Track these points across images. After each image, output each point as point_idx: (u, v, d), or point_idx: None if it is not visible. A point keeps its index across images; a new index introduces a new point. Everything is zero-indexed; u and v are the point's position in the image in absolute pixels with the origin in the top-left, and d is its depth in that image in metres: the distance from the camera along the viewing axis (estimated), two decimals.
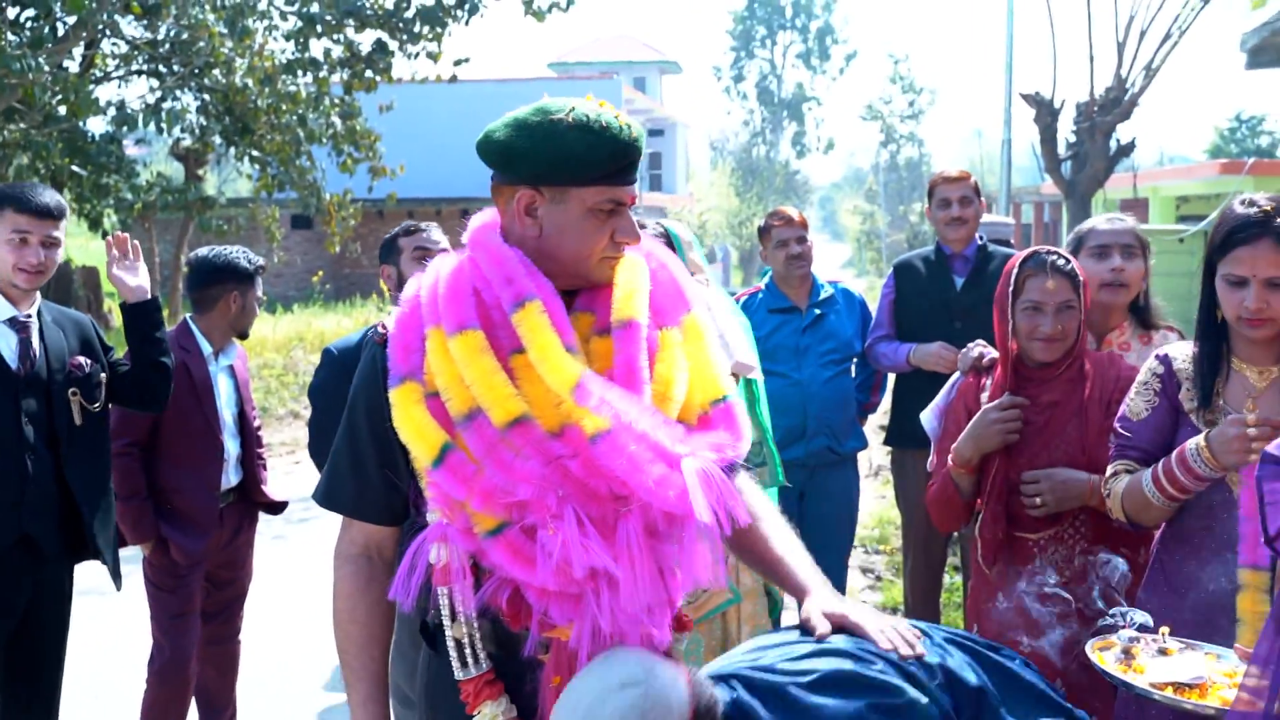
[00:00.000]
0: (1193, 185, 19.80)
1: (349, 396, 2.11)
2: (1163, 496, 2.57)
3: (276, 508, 4.41)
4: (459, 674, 2.00)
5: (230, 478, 4.21)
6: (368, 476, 2.06)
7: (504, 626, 1.97)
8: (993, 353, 3.28)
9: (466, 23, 13.10)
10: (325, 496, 2.15)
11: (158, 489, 4.07)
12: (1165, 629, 2.35)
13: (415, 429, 1.91)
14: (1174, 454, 2.55)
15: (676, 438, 1.90)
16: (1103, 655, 2.30)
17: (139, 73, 13.08)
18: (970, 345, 3.41)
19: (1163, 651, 2.27)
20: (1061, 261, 3.06)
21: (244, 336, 4.33)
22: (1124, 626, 2.36)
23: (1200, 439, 2.50)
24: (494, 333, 1.92)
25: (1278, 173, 18.05)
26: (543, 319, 1.91)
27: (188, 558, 4.04)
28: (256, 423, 4.45)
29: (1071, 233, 3.62)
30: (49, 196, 3.47)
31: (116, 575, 3.70)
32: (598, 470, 1.85)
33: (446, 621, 1.98)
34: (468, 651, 1.99)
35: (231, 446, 4.21)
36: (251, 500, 4.33)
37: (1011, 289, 3.08)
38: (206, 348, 4.17)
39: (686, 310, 2.09)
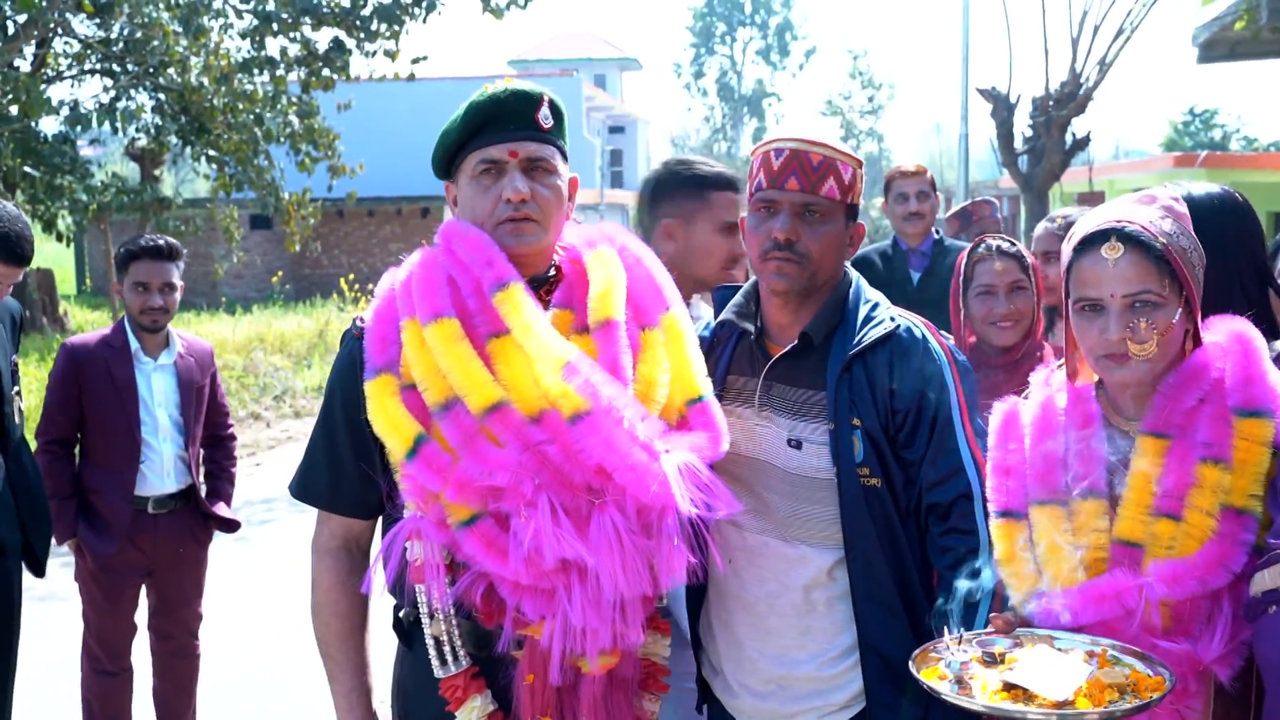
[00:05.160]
0: (1148, 178, 20.07)
1: (325, 390, 2.11)
2: None
3: (227, 525, 4.26)
4: (439, 672, 1.99)
5: (166, 482, 4.08)
6: (344, 470, 2.06)
7: (479, 623, 1.97)
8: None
9: (424, 20, 13.04)
10: (300, 489, 2.14)
11: (81, 489, 4.02)
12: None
13: (389, 421, 1.91)
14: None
15: (656, 433, 1.91)
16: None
17: (92, 72, 12.93)
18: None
19: (993, 655, 1.81)
20: (1007, 245, 3.16)
21: (148, 329, 4.04)
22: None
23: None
24: (469, 320, 1.93)
25: (1230, 165, 18.35)
26: (526, 299, 1.93)
27: (96, 560, 3.99)
28: (228, 430, 4.35)
29: None
30: None
31: (41, 565, 3.62)
32: (575, 456, 1.85)
33: (425, 619, 1.98)
34: (446, 649, 1.99)
35: (167, 449, 4.07)
36: (201, 512, 4.19)
37: (963, 279, 3.15)
38: (134, 344, 4.04)
39: (665, 309, 2.10)
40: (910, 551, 2.17)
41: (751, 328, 2.29)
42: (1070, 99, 13.27)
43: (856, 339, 2.18)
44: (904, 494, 2.17)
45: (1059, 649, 1.81)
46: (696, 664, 2.43)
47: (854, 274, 2.32)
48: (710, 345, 2.34)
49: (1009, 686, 1.70)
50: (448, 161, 2.10)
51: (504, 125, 2.01)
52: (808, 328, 2.21)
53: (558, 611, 1.87)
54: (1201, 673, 1.85)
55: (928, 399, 2.15)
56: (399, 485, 1.96)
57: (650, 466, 1.85)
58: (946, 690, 1.71)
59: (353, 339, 2.05)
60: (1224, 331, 1.99)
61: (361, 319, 2.05)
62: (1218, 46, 11.35)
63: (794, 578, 2.22)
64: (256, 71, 12.99)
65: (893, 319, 2.22)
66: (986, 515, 2.10)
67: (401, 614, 2.08)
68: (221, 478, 4.30)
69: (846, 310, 2.23)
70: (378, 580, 2.00)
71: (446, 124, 2.08)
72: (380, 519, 2.13)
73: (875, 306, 2.26)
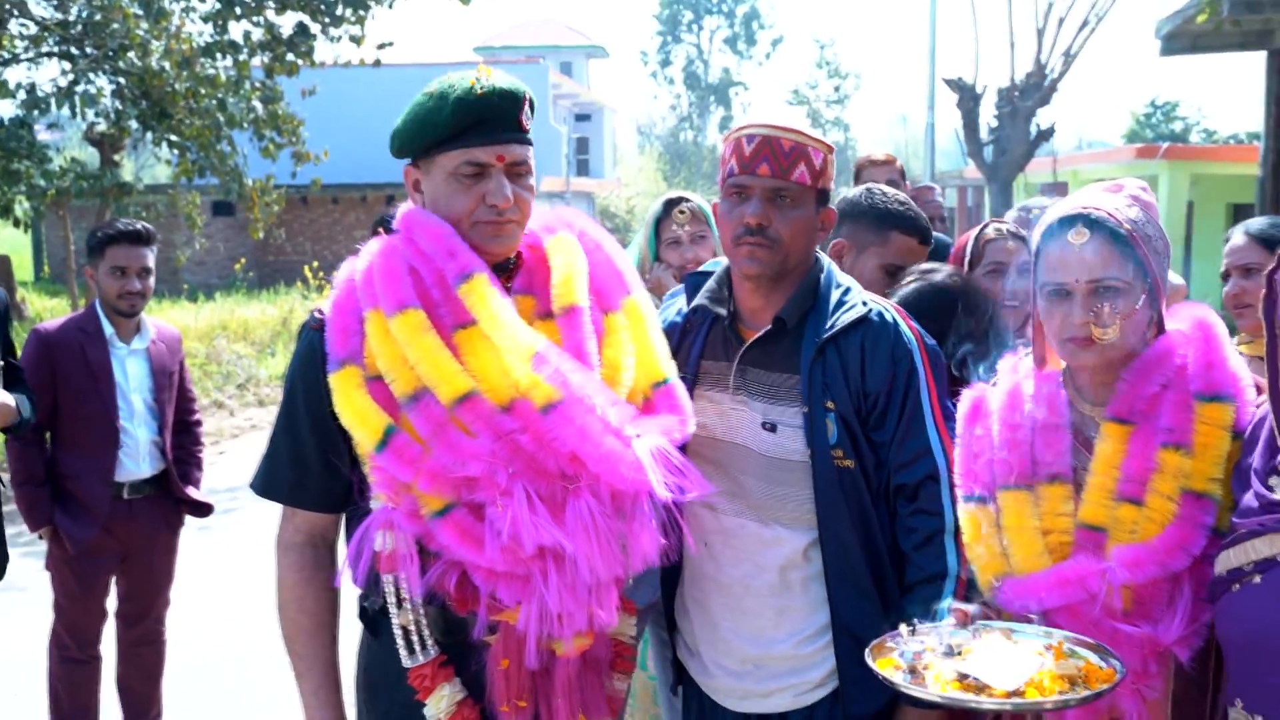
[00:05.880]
0: (1111, 169, 20.24)
1: (286, 383, 2.08)
2: None
3: (200, 509, 4.26)
4: (407, 661, 1.98)
5: (141, 466, 4.08)
6: (307, 464, 2.03)
7: (450, 611, 1.96)
8: None
9: (390, 5, 12.91)
10: (263, 485, 2.11)
11: (55, 475, 3.98)
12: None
13: (357, 413, 1.89)
14: None
15: (626, 418, 1.92)
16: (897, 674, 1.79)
17: (50, 55, 12.68)
18: None
19: (950, 647, 1.83)
20: (1015, 229, 3.20)
21: (125, 314, 4.02)
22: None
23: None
24: (434, 310, 1.91)
25: (1191, 157, 18.55)
26: (492, 290, 1.92)
27: (75, 546, 3.94)
28: (195, 416, 4.34)
29: None
30: None
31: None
32: (548, 444, 1.85)
33: (393, 609, 1.96)
34: (414, 638, 1.97)
35: (142, 433, 4.07)
36: (174, 497, 4.19)
37: (969, 259, 3.15)
38: (109, 329, 4.03)
39: (626, 293, 2.10)
40: (882, 532, 2.21)
41: (724, 312, 2.31)
42: (1035, 90, 13.39)
43: (829, 323, 2.22)
44: (875, 475, 2.21)
45: (1015, 640, 1.84)
46: (671, 646, 2.45)
47: (825, 259, 2.35)
48: (683, 330, 2.36)
49: (962, 677, 1.74)
50: (424, 150, 2.04)
51: (492, 127, 1.99)
52: (781, 312, 2.24)
53: (534, 597, 1.86)
54: (1162, 654, 1.89)
55: (898, 382, 2.19)
56: (368, 478, 1.94)
57: (624, 452, 1.86)
58: (900, 680, 1.74)
59: (311, 330, 2.01)
60: (1187, 318, 2.03)
61: (320, 310, 2.01)
62: (1180, 39, 11.47)
63: (769, 558, 2.24)
64: (219, 56, 12.80)
65: (864, 303, 2.25)
66: (953, 497, 2.13)
67: (367, 603, 2.05)
68: (190, 463, 4.28)
69: (819, 295, 2.26)
70: (348, 576, 1.98)
71: (424, 111, 2.01)
72: (345, 513, 2.10)
73: (847, 291, 2.29)
